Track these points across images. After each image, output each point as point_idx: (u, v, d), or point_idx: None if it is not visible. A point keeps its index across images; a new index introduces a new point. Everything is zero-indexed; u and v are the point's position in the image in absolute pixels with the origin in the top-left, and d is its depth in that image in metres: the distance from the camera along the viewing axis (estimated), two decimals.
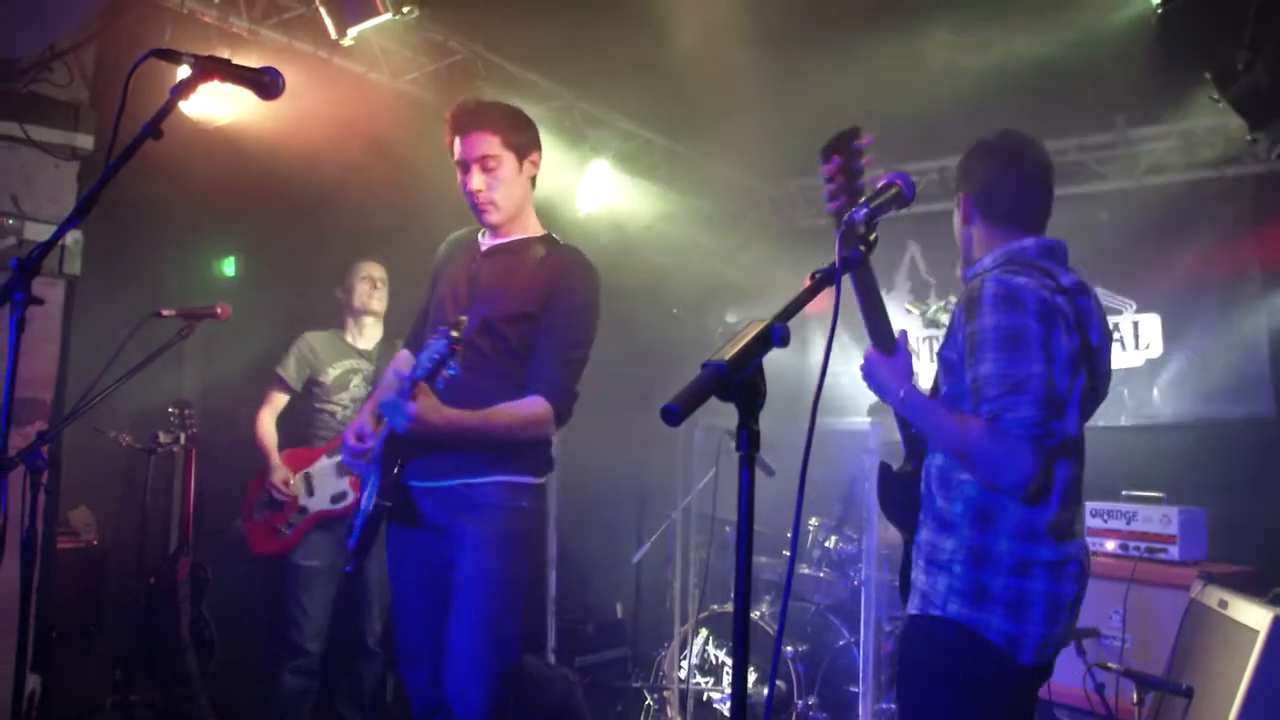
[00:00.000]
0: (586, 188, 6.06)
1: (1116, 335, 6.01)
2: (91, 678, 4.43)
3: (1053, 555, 2.23)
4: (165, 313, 3.73)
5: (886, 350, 2.43)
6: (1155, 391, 6.04)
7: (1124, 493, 4.74)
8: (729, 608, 5.07)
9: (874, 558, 4.70)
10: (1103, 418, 2.49)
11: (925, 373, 3.67)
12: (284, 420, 4.62)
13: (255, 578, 5.04)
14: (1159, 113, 5.67)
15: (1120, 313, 6.09)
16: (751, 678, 4.82)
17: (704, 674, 5.09)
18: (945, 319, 4.61)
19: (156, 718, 4.39)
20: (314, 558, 4.48)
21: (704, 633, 5.12)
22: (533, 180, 3.08)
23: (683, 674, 5.05)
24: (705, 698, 5.02)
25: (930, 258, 6.95)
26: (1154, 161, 5.94)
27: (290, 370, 4.61)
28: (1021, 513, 2.23)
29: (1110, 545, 4.66)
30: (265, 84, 2.17)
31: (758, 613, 5.02)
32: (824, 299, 1.82)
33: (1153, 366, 6.06)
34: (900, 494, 2.56)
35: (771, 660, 4.78)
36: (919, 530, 2.43)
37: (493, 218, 3.01)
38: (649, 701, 5.30)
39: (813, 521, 5.26)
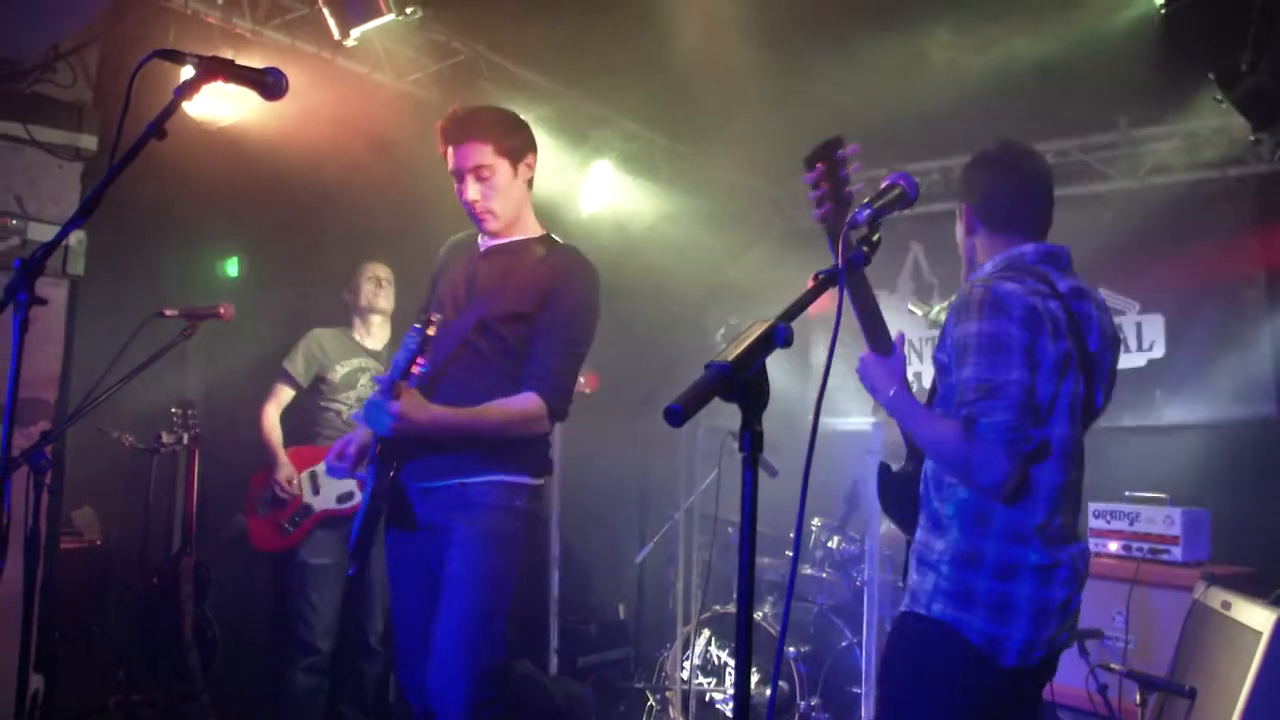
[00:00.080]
0: (589, 188, 6.07)
1: (1120, 336, 6.00)
2: (94, 677, 4.43)
3: (1041, 559, 2.25)
4: (168, 313, 3.74)
5: (883, 351, 2.46)
6: (1158, 392, 6.02)
7: (1127, 494, 4.73)
8: (731, 608, 5.07)
9: (876, 558, 4.70)
10: (1105, 419, 2.50)
11: (929, 373, 3.67)
12: (287, 417, 4.62)
13: (258, 577, 5.04)
14: (1162, 113, 5.66)
15: (1123, 313, 6.09)
16: (754, 678, 4.82)
17: (706, 675, 5.09)
18: None
19: (159, 717, 4.39)
20: (323, 555, 4.48)
21: (706, 633, 5.12)
22: (529, 182, 3.08)
23: (685, 675, 5.05)
24: (708, 698, 5.02)
25: (933, 258, 6.94)
26: (1157, 162, 5.93)
27: (298, 366, 4.60)
28: (1009, 515, 2.25)
29: (1113, 546, 4.65)
30: (268, 85, 2.18)
31: (760, 613, 5.02)
32: (826, 300, 1.83)
33: (1156, 367, 6.05)
34: (900, 494, 2.59)
35: (774, 661, 4.79)
36: (916, 530, 2.46)
37: (491, 226, 3.01)
38: (651, 702, 5.30)
39: (815, 522, 5.26)
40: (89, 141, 4.27)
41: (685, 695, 5.01)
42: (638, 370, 6.15)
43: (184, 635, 4.41)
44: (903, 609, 2.40)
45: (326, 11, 4.31)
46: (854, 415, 6.45)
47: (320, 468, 4.49)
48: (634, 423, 5.53)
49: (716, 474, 5.03)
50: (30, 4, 3.79)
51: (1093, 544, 4.70)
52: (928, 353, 6.64)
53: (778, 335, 1.50)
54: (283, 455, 4.50)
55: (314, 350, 4.63)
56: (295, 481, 4.48)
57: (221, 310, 3.84)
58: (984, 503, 2.26)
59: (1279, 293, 5.66)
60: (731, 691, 4.93)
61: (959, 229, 2.57)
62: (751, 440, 1.47)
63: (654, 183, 6.55)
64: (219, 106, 4.42)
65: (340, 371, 4.62)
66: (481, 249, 3.08)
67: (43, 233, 4.08)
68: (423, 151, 3.04)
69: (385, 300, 4.77)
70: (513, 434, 2.88)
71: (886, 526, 4.86)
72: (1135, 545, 4.57)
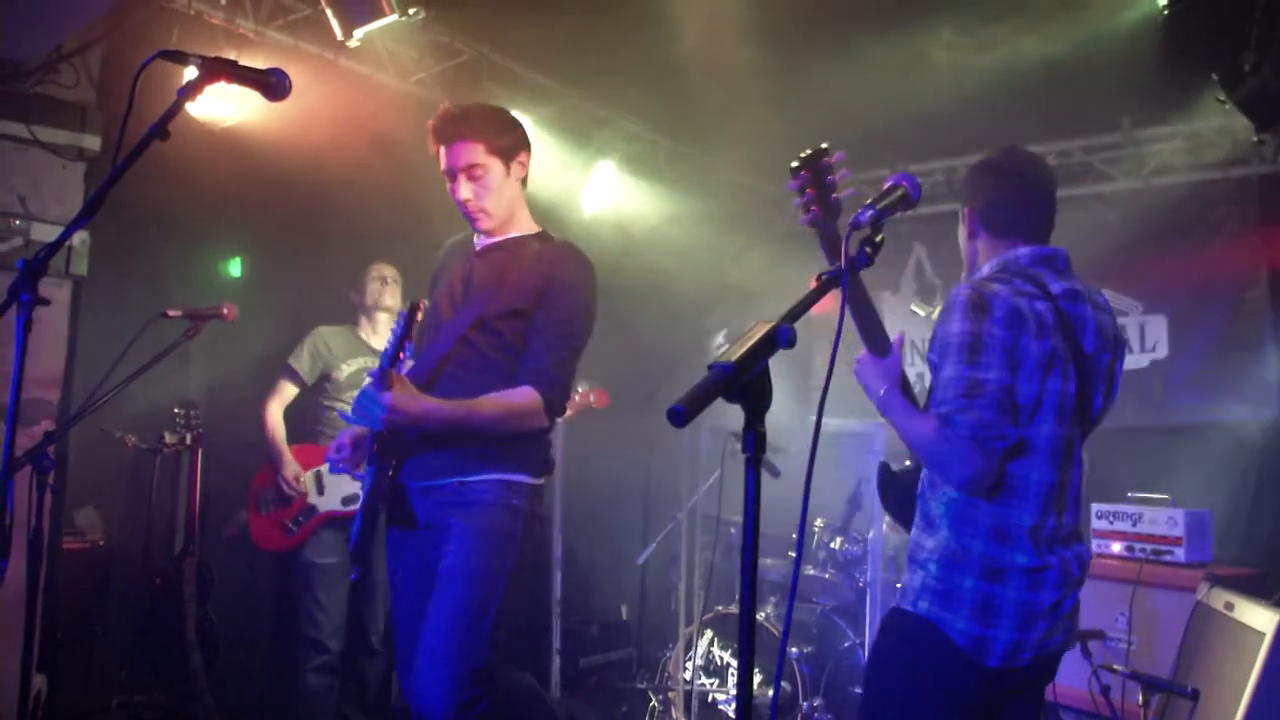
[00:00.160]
0: (592, 189, 6.07)
1: (1124, 338, 5.99)
2: (97, 678, 4.44)
3: (1029, 562, 2.26)
4: (171, 313, 3.75)
5: (880, 352, 2.49)
6: (1162, 393, 6.02)
7: (1130, 494, 4.73)
8: (734, 609, 5.07)
9: (879, 559, 4.70)
10: (1108, 420, 2.51)
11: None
12: (290, 415, 4.61)
13: (261, 577, 5.04)
14: (1165, 114, 5.66)
15: (1126, 314, 6.08)
16: (756, 679, 4.82)
17: (709, 675, 5.09)
18: None
19: (162, 718, 4.40)
20: (329, 555, 4.47)
21: (709, 634, 5.12)
22: (523, 180, 3.07)
23: (687, 675, 5.05)
24: (710, 699, 5.02)
25: (936, 259, 6.93)
26: (1160, 163, 5.93)
27: (303, 363, 4.59)
28: (997, 515, 2.27)
29: (1116, 547, 4.65)
30: (271, 85, 2.18)
31: (763, 614, 5.01)
32: (827, 301, 1.83)
33: (1159, 368, 6.04)
34: (901, 493, 2.60)
35: (777, 662, 4.78)
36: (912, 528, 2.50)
37: (484, 224, 3.02)
38: (654, 703, 5.30)
39: (818, 523, 5.26)
40: (92, 142, 4.27)
41: (688, 696, 5.01)
42: (640, 371, 6.15)
43: (187, 635, 4.41)
44: (893, 605, 2.43)
45: (329, 12, 4.31)
46: (857, 416, 6.45)
47: (325, 467, 4.47)
48: (636, 423, 5.53)
49: (719, 475, 5.03)
50: (33, 4, 3.79)
51: (1095, 545, 4.70)
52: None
53: (781, 336, 1.50)
54: (288, 453, 4.49)
55: (320, 348, 4.63)
56: (302, 479, 4.48)
57: (224, 311, 3.84)
58: (973, 502, 2.28)
59: None
60: (734, 692, 4.93)
61: (961, 232, 2.59)
62: (754, 441, 1.47)
63: (656, 184, 6.55)
64: (222, 107, 4.43)
65: (346, 370, 4.62)
66: (477, 248, 3.09)
67: (46, 233, 4.08)
68: (425, 152, 3.04)
69: (391, 298, 4.76)
70: (509, 428, 2.86)
71: (889, 527, 4.87)
72: (1138, 546, 4.57)
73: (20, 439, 3.57)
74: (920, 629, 2.29)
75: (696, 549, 5.40)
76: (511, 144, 3.01)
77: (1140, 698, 3.66)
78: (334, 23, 4.31)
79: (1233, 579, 4.14)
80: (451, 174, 2.97)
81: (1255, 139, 4.80)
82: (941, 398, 2.24)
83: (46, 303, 2.05)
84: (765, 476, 1.49)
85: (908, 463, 2.64)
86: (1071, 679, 3.85)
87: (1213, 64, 4.43)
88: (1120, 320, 6.10)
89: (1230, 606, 3.71)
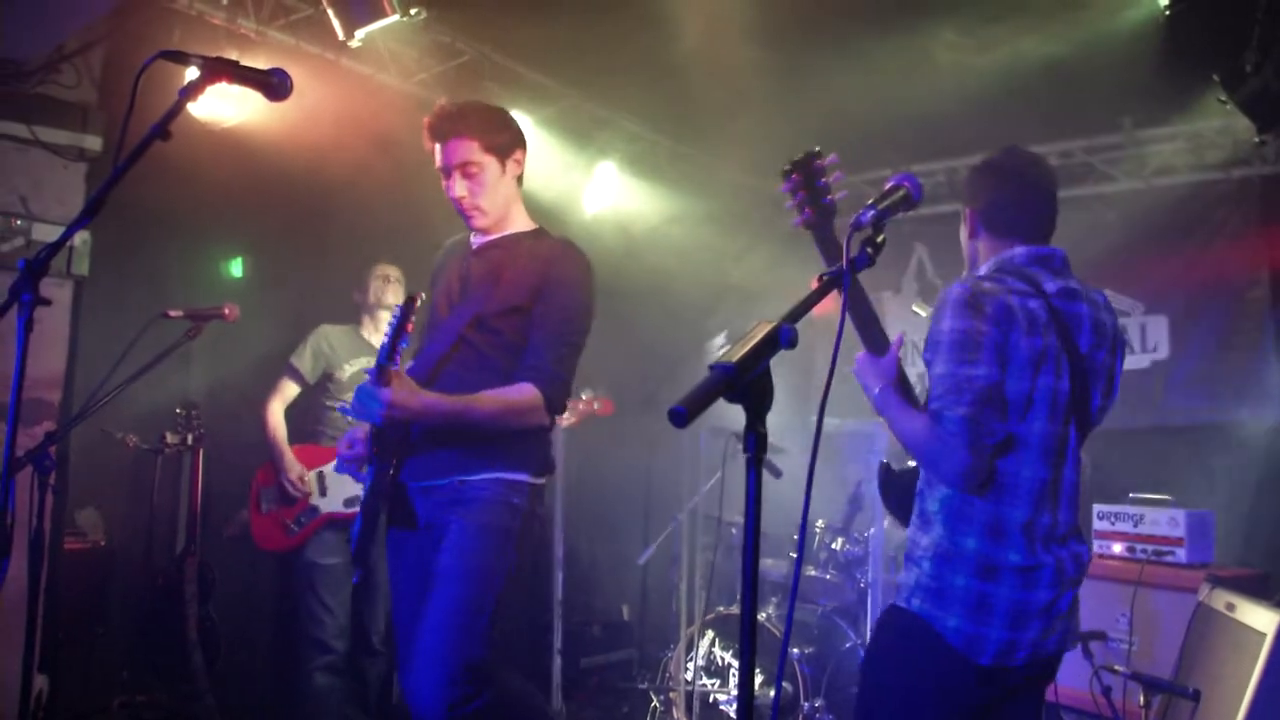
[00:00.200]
0: (593, 189, 6.07)
1: (1124, 337, 5.99)
2: (98, 678, 4.44)
3: (1022, 560, 2.26)
4: (173, 314, 3.75)
5: (878, 352, 2.49)
6: (1162, 394, 6.01)
7: (1131, 495, 4.72)
8: (735, 610, 5.07)
9: (880, 560, 4.69)
10: (1108, 420, 2.51)
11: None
12: (290, 414, 4.61)
13: (262, 577, 5.04)
14: (1167, 114, 5.65)
15: (1128, 315, 6.07)
16: (758, 680, 4.82)
17: (710, 676, 5.08)
18: None
19: (163, 718, 4.40)
20: (332, 555, 4.46)
21: (710, 634, 5.12)
22: (519, 178, 3.07)
23: (689, 676, 5.05)
24: (711, 699, 5.01)
25: (938, 260, 6.93)
26: (1161, 163, 5.92)
27: (306, 362, 4.59)
28: (989, 511, 2.28)
29: (1117, 548, 4.64)
30: (273, 85, 2.18)
31: (764, 615, 5.01)
32: (828, 302, 1.83)
33: (1160, 368, 6.04)
34: (902, 493, 2.61)
35: (778, 662, 4.78)
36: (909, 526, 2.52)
37: (479, 222, 3.02)
38: (655, 703, 5.30)
39: (819, 523, 5.25)
40: (93, 142, 4.27)
41: (689, 696, 5.01)
42: (641, 371, 6.15)
43: (188, 635, 4.41)
44: (891, 602, 2.44)
45: (331, 12, 4.31)
46: (858, 416, 6.45)
47: (328, 468, 4.47)
48: (638, 424, 5.53)
49: (720, 475, 5.02)
50: (35, 4, 3.79)
51: (1097, 545, 4.70)
52: None
53: (782, 336, 1.50)
54: (289, 453, 4.48)
55: (322, 347, 4.63)
56: (307, 479, 4.47)
57: (226, 311, 3.84)
58: (967, 499, 2.29)
59: None
60: (735, 693, 4.92)
61: (963, 232, 2.61)
62: (755, 442, 1.46)
63: (657, 184, 6.55)
64: (223, 107, 4.43)
65: (349, 370, 4.61)
66: (474, 246, 3.09)
67: (47, 233, 4.09)
68: (426, 153, 3.05)
69: (394, 296, 4.76)
70: (509, 424, 2.86)
71: (890, 527, 4.87)
72: (1139, 547, 4.57)
73: (21, 439, 3.57)
74: (914, 626, 2.31)
75: (698, 549, 5.40)
76: (507, 142, 3.00)
77: (1141, 698, 3.66)
78: (335, 23, 4.31)
79: (1234, 580, 4.13)
80: (446, 171, 2.97)
81: (1257, 140, 4.79)
82: (933, 395, 2.26)
83: (48, 303, 2.05)
84: (766, 477, 1.49)
85: (909, 462, 2.64)
86: (1073, 680, 3.85)
87: (1214, 64, 4.43)
88: (1121, 320, 6.10)
89: (1231, 607, 3.70)
